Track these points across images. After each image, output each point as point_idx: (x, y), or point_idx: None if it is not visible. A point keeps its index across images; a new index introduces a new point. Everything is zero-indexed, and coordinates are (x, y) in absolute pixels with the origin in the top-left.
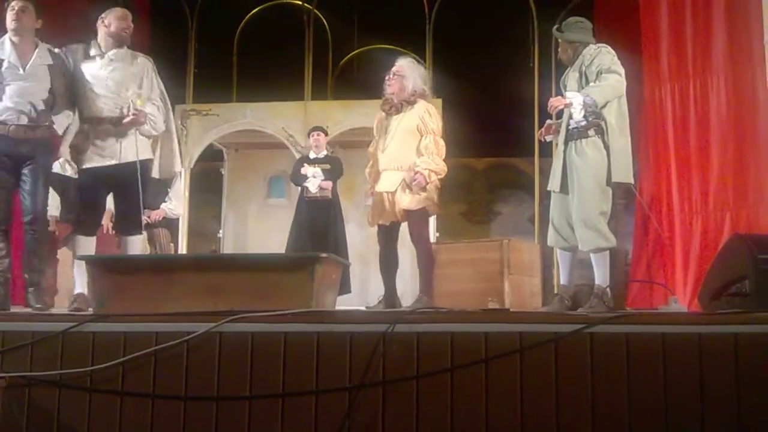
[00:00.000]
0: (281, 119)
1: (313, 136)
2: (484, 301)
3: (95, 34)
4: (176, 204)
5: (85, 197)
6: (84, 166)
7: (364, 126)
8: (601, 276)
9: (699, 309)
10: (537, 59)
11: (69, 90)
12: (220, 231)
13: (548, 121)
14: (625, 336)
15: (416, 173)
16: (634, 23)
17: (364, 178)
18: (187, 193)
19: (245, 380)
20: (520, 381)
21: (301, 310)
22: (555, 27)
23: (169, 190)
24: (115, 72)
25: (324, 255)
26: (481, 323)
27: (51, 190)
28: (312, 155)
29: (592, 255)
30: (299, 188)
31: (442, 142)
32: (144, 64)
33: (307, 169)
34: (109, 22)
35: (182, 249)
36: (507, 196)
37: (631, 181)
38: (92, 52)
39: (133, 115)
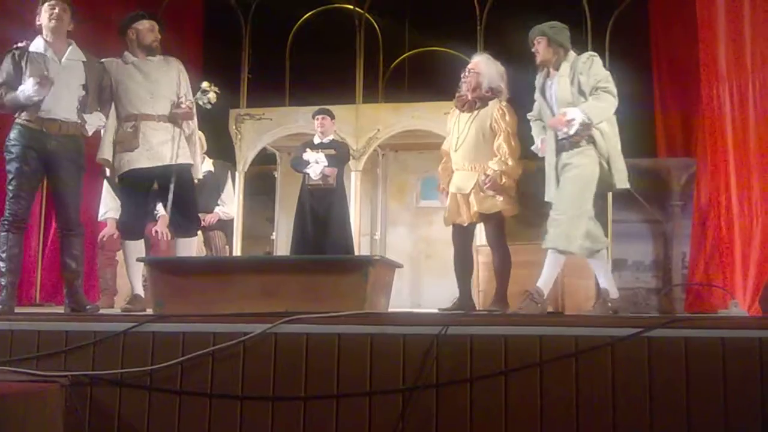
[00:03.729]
0: (335, 121)
1: (318, 119)
2: (545, 305)
3: (125, 45)
4: (229, 207)
5: (128, 200)
6: (132, 167)
7: (416, 129)
8: (544, 276)
9: (760, 313)
10: None
11: (104, 90)
12: (274, 233)
13: (541, 138)
14: (684, 340)
15: (488, 176)
16: (691, 19)
17: (415, 181)
18: (241, 196)
19: (300, 380)
20: (576, 385)
21: (355, 312)
22: (542, 26)
23: (221, 193)
24: (153, 73)
25: (377, 257)
26: (536, 326)
27: (111, 192)
28: (316, 140)
29: (548, 252)
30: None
31: (515, 143)
32: (177, 65)
33: (309, 155)
34: (136, 34)
35: (237, 251)
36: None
37: (629, 185)
38: (127, 60)
39: (188, 107)
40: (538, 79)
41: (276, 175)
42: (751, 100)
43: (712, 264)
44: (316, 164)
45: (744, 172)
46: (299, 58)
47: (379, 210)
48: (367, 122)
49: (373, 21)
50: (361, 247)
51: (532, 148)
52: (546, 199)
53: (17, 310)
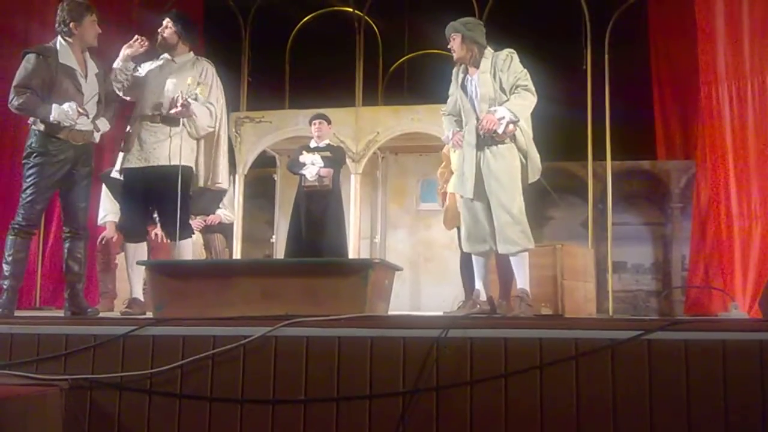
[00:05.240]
0: (332, 126)
1: (315, 124)
2: (537, 306)
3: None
4: (230, 209)
5: (125, 201)
6: (123, 166)
7: (415, 131)
8: (522, 278)
9: (759, 315)
10: (590, 61)
11: (108, 95)
12: (273, 236)
13: (456, 130)
14: (684, 343)
15: None
16: (690, 22)
17: (415, 183)
18: (241, 199)
19: (300, 384)
20: (576, 388)
21: (355, 315)
22: (455, 22)
23: (222, 196)
24: (170, 73)
25: (377, 260)
26: (536, 329)
27: (110, 196)
28: (312, 144)
29: (511, 258)
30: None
31: None
32: (204, 67)
33: (305, 157)
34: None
35: (236, 254)
36: (559, 201)
37: (539, 176)
38: (159, 60)
39: (182, 106)
40: (456, 75)
41: (276, 178)
42: (750, 102)
43: (711, 266)
44: (312, 166)
45: (743, 175)
46: (299, 61)
47: (379, 213)
48: (367, 125)
49: (372, 24)
50: (360, 250)
51: (443, 138)
52: (463, 194)
53: (17, 313)
